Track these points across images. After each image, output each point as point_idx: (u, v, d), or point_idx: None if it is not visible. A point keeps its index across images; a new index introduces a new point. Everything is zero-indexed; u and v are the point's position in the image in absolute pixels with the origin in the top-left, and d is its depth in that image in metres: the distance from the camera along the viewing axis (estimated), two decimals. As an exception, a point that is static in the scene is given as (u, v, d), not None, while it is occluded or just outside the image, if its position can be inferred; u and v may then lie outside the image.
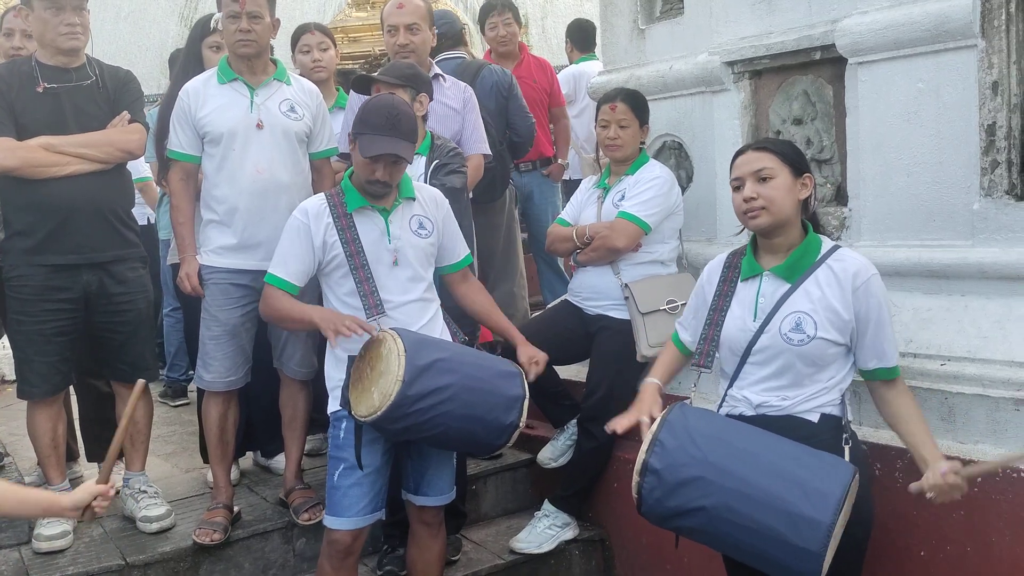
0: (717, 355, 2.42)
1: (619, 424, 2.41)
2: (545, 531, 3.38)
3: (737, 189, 2.35)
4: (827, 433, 2.29)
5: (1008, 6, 2.56)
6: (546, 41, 10.22)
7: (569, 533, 3.42)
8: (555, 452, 3.54)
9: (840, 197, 3.10)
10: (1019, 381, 2.46)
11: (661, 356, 2.65)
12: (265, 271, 3.04)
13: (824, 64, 3.09)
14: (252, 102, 3.10)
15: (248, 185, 3.07)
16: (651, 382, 2.51)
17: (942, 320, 2.72)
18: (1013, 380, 2.48)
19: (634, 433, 3.30)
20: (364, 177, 2.70)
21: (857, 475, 2.16)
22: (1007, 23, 2.56)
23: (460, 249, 2.94)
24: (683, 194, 3.45)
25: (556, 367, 3.54)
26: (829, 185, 3.13)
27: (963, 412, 2.55)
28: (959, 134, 2.70)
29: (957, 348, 2.64)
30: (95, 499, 2.06)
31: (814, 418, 2.30)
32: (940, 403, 2.58)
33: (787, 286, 2.32)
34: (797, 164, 2.35)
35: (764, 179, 2.30)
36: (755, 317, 2.34)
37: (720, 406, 2.42)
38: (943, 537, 2.50)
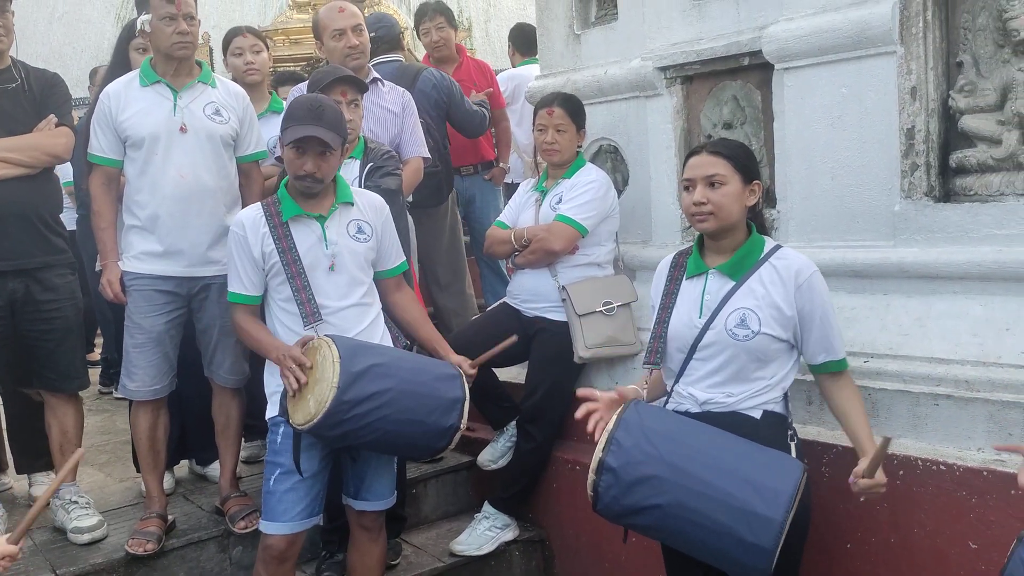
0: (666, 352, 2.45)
1: (584, 391, 2.39)
2: (485, 533, 3.40)
3: (687, 189, 2.39)
4: (770, 429, 2.34)
5: (925, 14, 2.64)
6: (489, 44, 10.26)
7: (509, 534, 3.44)
8: (495, 454, 3.55)
9: (769, 199, 3.17)
10: (938, 376, 2.55)
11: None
12: (190, 277, 3.00)
13: (752, 70, 3.15)
14: (175, 105, 3.04)
15: (171, 191, 3.01)
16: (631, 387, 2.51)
17: (865, 318, 2.80)
18: (932, 376, 2.56)
19: (573, 434, 3.36)
20: (293, 173, 2.68)
21: (806, 472, 2.21)
22: (924, 30, 2.65)
23: (395, 256, 2.93)
24: (619, 197, 3.50)
25: (495, 369, 3.56)
26: (759, 188, 3.20)
27: (885, 407, 2.63)
28: (881, 138, 2.78)
29: (880, 345, 2.72)
30: (1, 559, 1.90)
31: (757, 415, 2.35)
32: (864, 399, 2.63)
33: (732, 283, 2.37)
34: (748, 171, 2.39)
35: (714, 184, 2.34)
36: (700, 314, 2.38)
37: (666, 403, 2.46)
38: (867, 529, 2.58)
